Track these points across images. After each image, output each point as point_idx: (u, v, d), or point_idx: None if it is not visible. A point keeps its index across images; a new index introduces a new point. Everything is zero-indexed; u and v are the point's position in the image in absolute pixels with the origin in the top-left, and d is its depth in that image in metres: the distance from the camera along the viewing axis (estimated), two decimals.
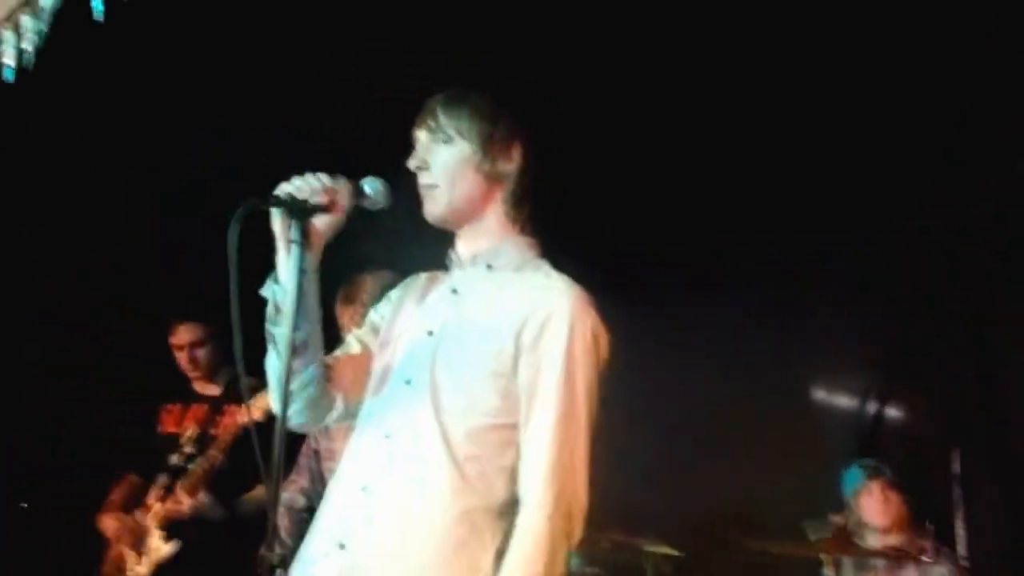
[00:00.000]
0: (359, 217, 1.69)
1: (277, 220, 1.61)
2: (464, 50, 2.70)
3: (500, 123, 1.75)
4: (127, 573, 3.11)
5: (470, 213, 1.76)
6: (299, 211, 1.59)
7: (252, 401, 2.71)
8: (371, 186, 1.66)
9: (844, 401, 3.79)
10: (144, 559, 3.09)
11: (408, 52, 2.75)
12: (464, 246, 1.79)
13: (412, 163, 1.75)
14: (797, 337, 3.72)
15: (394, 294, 1.90)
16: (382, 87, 2.87)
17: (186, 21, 2.68)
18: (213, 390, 3.34)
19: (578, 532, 1.62)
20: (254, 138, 3.18)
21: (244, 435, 2.94)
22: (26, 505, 3.59)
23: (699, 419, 3.76)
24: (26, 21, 2.47)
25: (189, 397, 3.35)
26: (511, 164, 1.76)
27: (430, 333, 1.73)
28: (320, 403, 1.75)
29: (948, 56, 2.75)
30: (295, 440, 2.76)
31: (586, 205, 3.31)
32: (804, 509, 3.40)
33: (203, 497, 2.95)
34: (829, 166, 3.27)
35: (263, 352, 1.68)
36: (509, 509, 1.62)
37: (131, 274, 3.65)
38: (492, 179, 1.75)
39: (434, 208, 1.74)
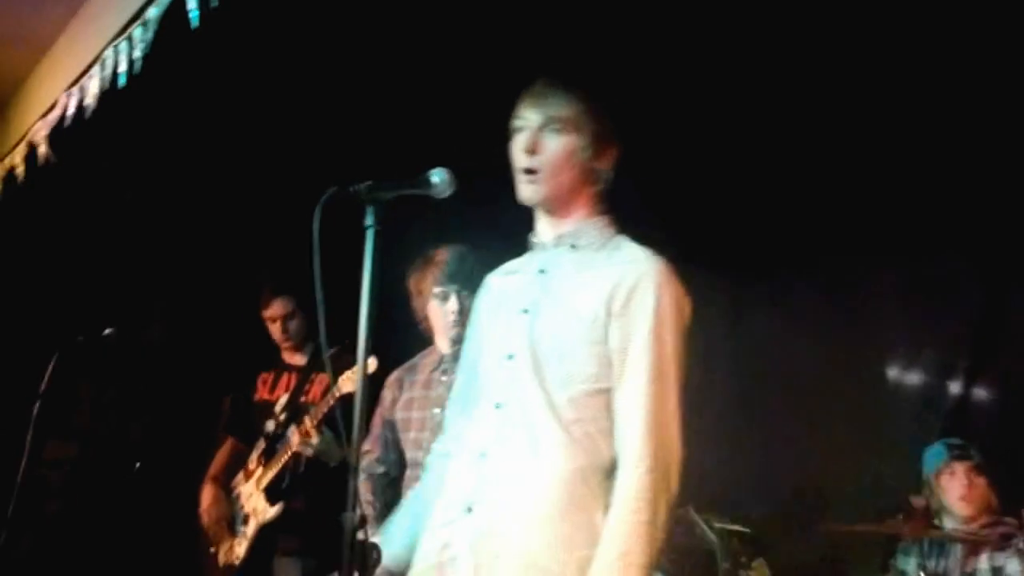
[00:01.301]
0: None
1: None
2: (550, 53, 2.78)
3: (606, 125, 1.84)
4: (219, 556, 3.31)
5: (564, 200, 1.83)
6: (370, 198, 1.70)
7: (343, 375, 2.93)
8: (437, 175, 1.76)
9: (927, 379, 3.60)
10: (236, 543, 3.28)
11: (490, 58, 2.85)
12: (547, 228, 1.87)
13: (522, 145, 1.80)
14: (877, 312, 3.58)
15: (477, 309, 2.00)
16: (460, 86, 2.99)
17: (273, 23, 2.88)
18: (300, 359, 3.48)
19: (675, 485, 1.69)
20: (348, 125, 3.37)
21: (341, 403, 3.04)
22: (139, 465, 3.89)
23: (774, 397, 3.66)
24: (137, 33, 2.74)
25: (281, 366, 3.51)
26: (607, 163, 1.85)
27: (524, 311, 1.82)
28: None
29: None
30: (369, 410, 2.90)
31: (670, 186, 3.29)
32: (881, 489, 3.31)
33: (328, 433, 3.03)
34: (908, 143, 3.17)
35: (346, 325, 1.83)
36: (615, 468, 1.70)
37: (230, 255, 3.91)
38: (588, 174, 1.83)
39: (532, 192, 1.81)
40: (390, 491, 2.81)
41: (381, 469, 2.86)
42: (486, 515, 1.71)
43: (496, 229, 2.03)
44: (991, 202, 3.21)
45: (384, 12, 2.78)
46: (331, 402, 3.01)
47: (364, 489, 2.81)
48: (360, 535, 1.66)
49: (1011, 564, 2.87)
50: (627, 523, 1.62)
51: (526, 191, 1.82)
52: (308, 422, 3.07)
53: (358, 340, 1.77)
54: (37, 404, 3.16)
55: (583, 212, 1.85)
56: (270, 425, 3.32)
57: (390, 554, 1.84)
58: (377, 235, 1.72)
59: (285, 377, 3.47)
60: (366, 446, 2.82)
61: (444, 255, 2.68)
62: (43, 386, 3.18)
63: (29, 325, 3.89)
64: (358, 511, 1.68)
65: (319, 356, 3.39)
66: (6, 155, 3.91)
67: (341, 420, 1.74)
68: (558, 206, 1.84)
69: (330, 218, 1.67)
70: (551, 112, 1.79)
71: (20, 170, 3.67)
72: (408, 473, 2.74)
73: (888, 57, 2.81)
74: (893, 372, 3.63)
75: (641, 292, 1.73)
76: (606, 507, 1.67)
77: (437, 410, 2.68)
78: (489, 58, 2.87)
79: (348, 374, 2.91)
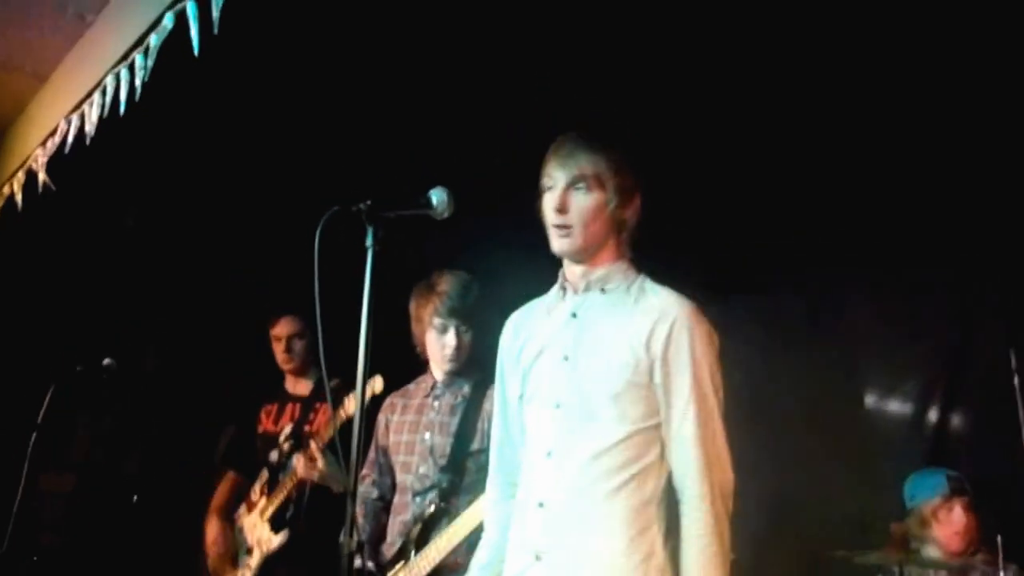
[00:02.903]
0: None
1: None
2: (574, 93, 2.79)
3: (629, 176, 1.95)
4: None
5: (594, 251, 1.95)
6: (374, 217, 1.76)
7: (344, 402, 2.92)
8: (437, 195, 1.83)
9: (906, 408, 3.60)
10: (240, 572, 3.27)
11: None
12: (575, 273, 1.97)
13: (553, 204, 1.91)
14: (857, 343, 3.62)
15: (504, 341, 2.10)
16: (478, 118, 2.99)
17: (275, 50, 2.88)
18: (303, 388, 3.49)
19: (731, 507, 1.88)
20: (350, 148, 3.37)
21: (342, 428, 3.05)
22: (136, 497, 3.85)
23: (754, 425, 3.66)
24: (139, 60, 2.72)
25: (284, 398, 3.51)
26: (633, 212, 1.96)
27: (565, 358, 1.92)
28: None
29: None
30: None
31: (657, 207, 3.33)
32: (861, 516, 3.26)
33: (332, 460, 3.02)
34: (883, 171, 3.19)
35: (348, 351, 1.84)
36: (663, 496, 1.86)
37: (229, 284, 3.89)
38: (615, 224, 1.95)
39: (569, 246, 1.92)
40: (384, 515, 2.81)
41: (375, 493, 2.86)
42: (554, 561, 1.84)
43: (507, 249, 2.03)
44: (967, 242, 3.25)
45: (385, 38, 2.78)
46: (337, 424, 2.99)
47: (357, 513, 2.79)
48: (357, 561, 1.72)
49: None
50: (702, 557, 1.81)
51: (559, 244, 1.94)
52: (313, 446, 3.05)
53: (359, 361, 1.78)
54: (33, 435, 3.14)
55: (610, 257, 1.97)
56: (274, 455, 3.32)
57: None
58: (378, 255, 1.75)
59: (289, 407, 3.46)
60: (363, 471, 2.83)
61: (446, 285, 2.68)
62: (40, 417, 3.16)
63: (26, 355, 3.85)
64: (355, 536, 1.69)
65: (323, 386, 3.37)
66: (4, 182, 3.89)
67: (341, 446, 1.72)
68: (588, 256, 1.95)
69: (343, 238, 1.67)
70: (577, 171, 1.91)
71: (19, 197, 3.65)
72: (397, 498, 2.73)
73: (872, 93, 2.84)
74: (872, 401, 3.67)
75: (677, 334, 1.87)
76: (662, 529, 1.84)
77: (428, 435, 2.71)
78: (490, 77, 2.86)
79: (353, 395, 2.90)
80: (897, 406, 3.60)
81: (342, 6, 2.63)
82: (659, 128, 3.00)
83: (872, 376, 3.65)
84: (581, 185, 1.90)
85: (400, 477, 2.74)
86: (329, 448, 3.05)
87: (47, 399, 3.16)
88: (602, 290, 1.94)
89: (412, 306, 2.77)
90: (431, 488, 2.62)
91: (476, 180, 1.97)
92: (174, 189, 3.66)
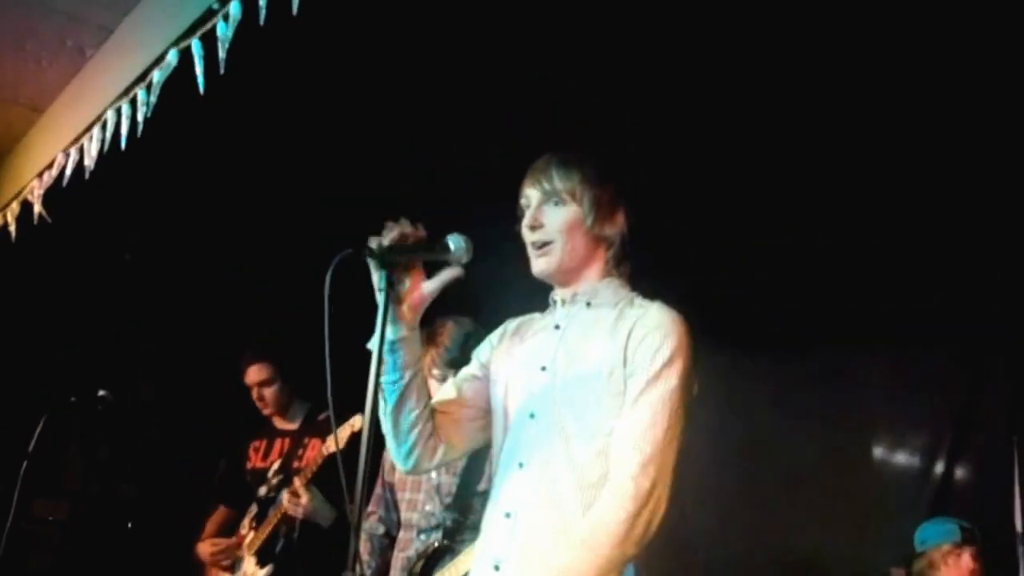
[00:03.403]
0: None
1: (372, 268, 1.73)
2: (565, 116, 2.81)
3: (608, 189, 1.90)
4: None
5: (576, 269, 1.90)
6: (385, 261, 1.71)
7: (335, 433, 2.91)
8: (455, 241, 1.79)
9: (913, 459, 3.71)
10: None
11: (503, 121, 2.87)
12: (564, 290, 1.93)
13: (526, 222, 1.87)
14: (865, 397, 3.71)
15: (493, 337, 2.04)
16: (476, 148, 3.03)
17: (280, 91, 2.92)
18: (292, 424, 3.50)
19: (656, 518, 1.70)
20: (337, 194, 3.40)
21: (326, 464, 3.07)
22: (131, 525, 3.84)
23: (765, 473, 3.76)
24: (141, 95, 2.76)
25: (273, 433, 3.53)
26: (615, 228, 1.90)
27: (543, 368, 1.86)
28: (427, 445, 1.88)
29: None
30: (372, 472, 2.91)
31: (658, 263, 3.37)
32: (868, 565, 3.38)
33: (317, 493, 3.05)
34: (895, 232, 3.23)
35: (353, 387, 1.85)
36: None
37: (225, 317, 3.91)
38: (598, 240, 1.89)
39: (546, 265, 1.87)
40: (389, 552, 2.81)
41: (381, 530, 2.87)
42: (512, 572, 1.75)
43: (513, 289, 2.05)
44: (975, 303, 3.32)
45: (389, 79, 2.82)
46: (319, 461, 3.02)
47: (363, 549, 2.81)
48: None
49: None
50: (602, 520, 1.67)
51: (537, 265, 1.89)
52: (297, 482, 3.07)
53: (366, 406, 1.80)
54: (24, 463, 3.14)
55: (597, 275, 1.91)
56: (263, 490, 3.33)
57: None
58: (387, 298, 1.74)
59: (278, 443, 3.48)
60: (369, 507, 2.84)
61: (447, 335, 2.68)
62: (31, 446, 3.16)
63: (22, 385, 3.85)
64: (357, 570, 1.69)
65: (311, 420, 3.40)
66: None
67: (341, 479, 1.72)
68: (571, 276, 1.90)
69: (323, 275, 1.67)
70: (548, 187, 1.86)
71: (12, 228, 3.66)
72: (401, 535, 2.75)
73: (887, 151, 2.88)
74: (880, 454, 3.74)
75: (651, 339, 1.78)
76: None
77: (434, 473, 2.71)
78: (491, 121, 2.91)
79: (339, 433, 2.94)
80: (904, 459, 3.67)
81: (344, 50, 2.67)
82: (672, 177, 3.04)
83: (880, 430, 3.71)
84: (553, 200, 1.86)
85: (405, 514, 2.74)
86: (314, 483, 3.08)
87: (39, 428, 3.17)
88: (588, 304, 1.89)
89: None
90: (436, 526, 2.63)
91: (484, 221, 1.96)
92: (172, 221, 3.68)
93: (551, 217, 1.86)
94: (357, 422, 2.89)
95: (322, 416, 3.39)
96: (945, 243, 3.16)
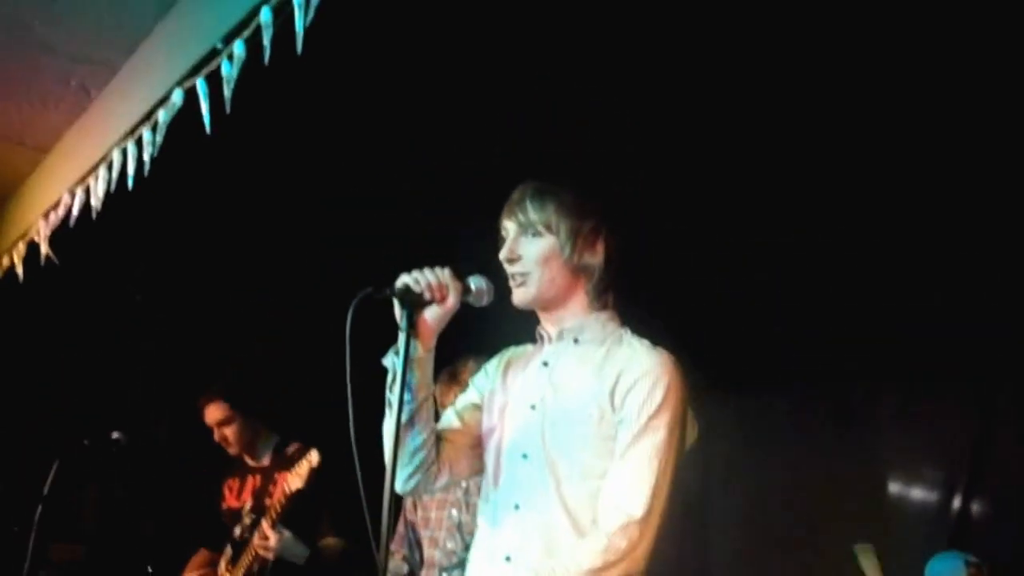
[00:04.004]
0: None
1: (396, 305, 1.78)
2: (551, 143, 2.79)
3: (586, 218, 1.87)
4: None
5: (557, 299, 1.88)
6: (410, 303, 1.75)
7: (293, 469, 2.94)
8: (476, 284, 1.81)
9: (929, 495, 3.70)
10: None
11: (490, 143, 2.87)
12: (550, 325, 1.92)
13: (502, 254, 1.88)
14: (879, 433, 3.70)
15: (490, 367, 2.03)
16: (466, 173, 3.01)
17: (285, 132, 2.91)
18: (264, 460, 3.44)
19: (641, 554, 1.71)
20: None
21: (293, 501, 3.04)
22: (151, 569, 3.81)
23: (779, 511, 3.76)
24: (146, 135, 2.75)
25: (245, 470, 3.47)
26: (596, 257, 1.88)
27: (532, 407, 1.85)
28: (430, 469, 1.88)
29: None
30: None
31: (663, 297, 3.36)
32: None
33: (286, 533, 3.03)
34: (908, 266, 3.22)
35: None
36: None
37: (236, 354, 3.89)
38: (578, 270, 1.87)
39: (523, 296, 1.87)
40: None
41: (406, 569, 2.88)
42: None
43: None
44: (990, 336, 3.30)
45: (393, 119, 2.81)
46: (281, 500, 3.00)
47: None
48: None
49: None
50: (575, 562, 1.68)
51: (515, 296, 1.88)
52: (264, 523, 3.04)
53: (387, 449, 1.77)
54: (39, 508, 3.12)
55: (581, 307, 1.89)
56: (237, 530, 3.29)
57: None
58: (409, 337, 1.73)
59: (250, 481, 3.42)
60: (392, 547, 2.81)
61: (469, 374, 2.66)
62: (45, 490, 3.15)
63: (35, 428, 3.83)
64: None
65: (280, 454, 3.35)
66: (3, 253, 3.88)
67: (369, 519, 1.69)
68: (552, 305, 1.89)
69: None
70: (523, 218, 1.86)
71: (19, 269, 3.65)
72: (423, 573, 2.73)
73: (896, 187, 2.86)
74: (895, 488, 3.72)
75: (644, 383, 1.77)
76: None
77: (454, 511, 2.72)
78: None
79: (295, 470, 2.96)
80: (921, 494, 3.65)
81: (348, 89, 2.67)
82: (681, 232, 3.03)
83: (895, 466, 3.70)
84: (530, 231, 1.85)
85: (427, 552, 2.75)
86: (285, 520, 3.05)
87: (52, 472, 3.15)
88: (575, 340, 1.89)
89: (436, 391, 2.78)
90: (457, 565, 2.63)
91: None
92: (183, 260, 3.67)
93: (527, 249, 1.86)
94: (314, 457, 2.90)
95: (291, 449, 3.34)
96: (959, 277, 3.14)
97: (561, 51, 2.35)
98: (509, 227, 1.90)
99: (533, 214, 1.85)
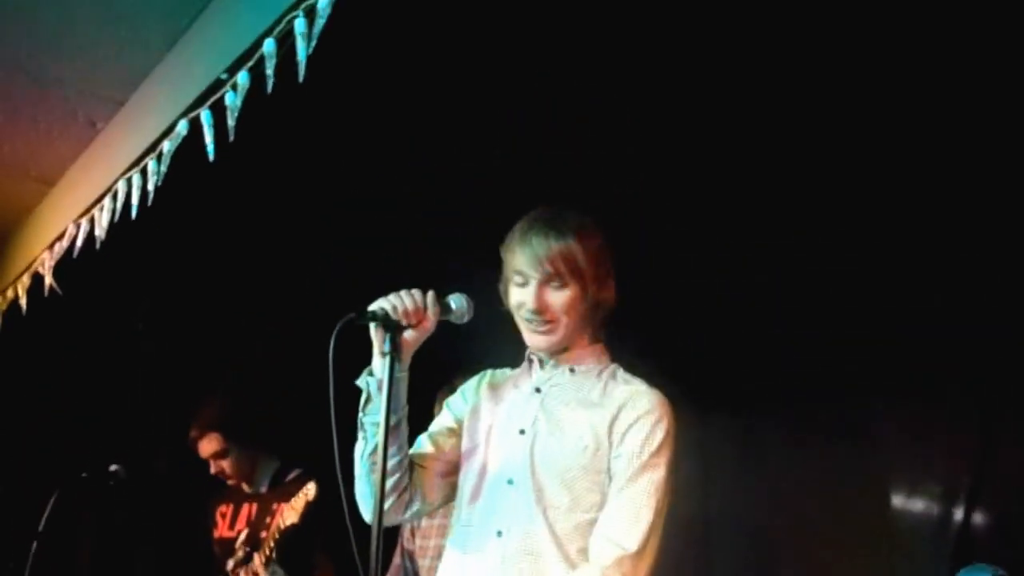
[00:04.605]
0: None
1: (373, 329, 1.78)
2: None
3: (605, 257, 1.87)
4: None
5: (571, 342, 1.89)
6: (391, 327, 1.75)
7: (290, 502, 2.89)
8: (456, 303, 1.83)
9: (929, 507, 3.60)
10: None
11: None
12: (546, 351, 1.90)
13: (528, 303, 1.83)
14: (881, 447, 3.63)
15: (468, 389, 2.00)
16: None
17: (288, 161, 2.92)
18: (259, 488, 3.33)
19: None
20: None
21: (287, 535, 2.98)
22: None
23: (782, 528, 3.71)
24: (151, 165, 2.76)
25: (239, 497, 3.36)
26: (608, 295, 1.89)
27: (522, 432, 1.83)
28: (401, 498, 1.85)
29: None
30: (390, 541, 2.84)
31: (664, 316, 3.35)
32: None
33: (280, 573, 2.97)
34: (907, 275, 3.22)
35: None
36: None
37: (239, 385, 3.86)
38: (591, 311, 1.88)
39: (549, 342, 1.86)
40: None
41: None
42: None
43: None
44: (990, 344, 3.27)
45: (397, 147, 2.82)
46: (276, 535, 2.94)
47: None
48: None
49: None
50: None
51: (539, 340, 1.86)
52: (257, 560, 2.99)
53: (377, 470, 1.74)
54: (34, 544, 3.07)
55: (584, 342, 1.91)
56: (230, 564, 3.17)
57: None
58: (392, 360, 1.73)
59: (245, 508, 3.31)
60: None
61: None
62: (41, 524, 3.10)
63: (33, 461, 3.79)
64: None
65: (279, 482, 3.27)
66: (9, 285, 3.89)
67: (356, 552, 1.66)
68: (566, 348, 1.89)
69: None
70: (551, 269, 1.81)
71: (23, 301, 3.65)
72: None
73: (897, 202, 2.86)
74: (898, 503, 3.63)
75: (644, 422, 1.77)
76: None
77: None
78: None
79: (291, 504, 2.90)
80: (923, 508, 3.56)
81: (351, 116, 2.68)
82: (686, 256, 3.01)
83: (898, 480, 3.62)
84: (556, 282, 1.82)
85: None
86: (277, 558, 2.98)
87: (50, 506, 3.11)
88: (571, 369, 1.89)
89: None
90: None
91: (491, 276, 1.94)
92: (185, 292, 3.67)
93: (554, 299, 1.83)
94: (311, 490, 2.85)
95: (290, 476, 3.26)
96: (959, 288, 3.12)
97: (561, 51, 2.34)
98: (529, 275, 1.84)
99: (562, 265, 1.81)
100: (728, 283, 3.26)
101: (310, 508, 2.84)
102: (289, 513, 2.88)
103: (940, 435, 3.51)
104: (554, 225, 1.84)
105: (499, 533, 1.76)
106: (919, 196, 2.78)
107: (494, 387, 1.97)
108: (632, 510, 1.72)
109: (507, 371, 2.01)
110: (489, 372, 2.03)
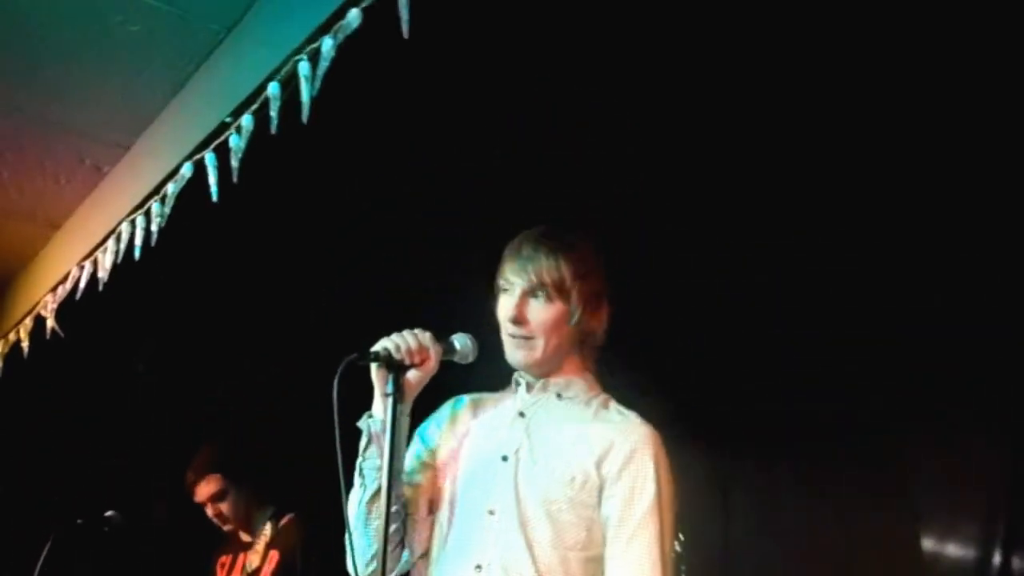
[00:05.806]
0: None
1: (374, 369, 1.74)
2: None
3: (597, 281, 1.81)
4: None
5: (554, 364, 1.82)
6: (394, 367, 1.71)
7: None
8: (460, 343, 1.79)
9: (963, 551, 3.57)
10: None
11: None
12: (533, 376, 1.84)
13: (507, 313, 1.78)
14: (909, 487, 3.59)
15: (441, 417, 1.92)
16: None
17: (292, 203, 2.93)
18: (257, 537, 3.25)
19: None
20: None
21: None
22: None
23: (807, 567, 3.63)
24: (155, 207, 2.77)
25: (238, 546, 3.30)
26: (600, 322, 1.83)
27: (504, 458, 1.75)
28: (397, 548, 1.78)
29: None
30: None
31: (671, 350, 3.32)
32: None
33: None
34: (931, 308, 3.19)
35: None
36: None
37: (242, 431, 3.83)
38: (579, 336, 1.81)
39: (526, 359, 1.79)
40: None
41: None
42: None
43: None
44: (1015, 368, 3.22)
45: (403, 190, 2.83)
46: None
47: None
48: None
49: None
50: None
51: (516, 356, 1.79)
52: None
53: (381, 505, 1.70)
54: None
55: (572, 370, 1.83)
56: None
57: None
58: (395, 401, 1.70)
59: (242, 558, 3.24)
60: None
61: None
62: (36, 572, 3.06)
63: (30, 506, 3.75)
64: None
65: (274, 529, 3.21)
66: (11, 328, 3.88)
67: None
68: (548, 369, 1.82)
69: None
70: (535, 278, 1.75)
71: (25, 344, 3.64)
72: None
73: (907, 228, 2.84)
74: (931, 545, 3.55)
75: (638, 460, 1.70)
76: None
77: None
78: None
79: (255, 547, 2.93)
80: (956, 550, 3.46)
81: (355, 159, 2.70)
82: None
83: (929, 520, 3.49)
84: (540, 294, 1.74)
85: None
86: None
87: (44, 553, 3.06)
88: (559, 395, 1.81)
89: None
90: None
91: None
92: (185, 335, 3.66)
93: (536, 314, 1.76)
94: (268, 531, 2.87)
95: (284, 521, 3.20)
96: (991, 321, 3.06)
97: (561, 52, 2.34)
98: (515, 282, 1.78)
99: (547, 276, 1.74)
100: (729, 286, 3.22)
101: (298, 550, 2.77)
102: (253, 557, 2.84)
103: (973, 472, 3.43)
104: (549, 239, 1.79)
105: (478, 567, 1.67)
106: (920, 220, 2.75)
107: (470, 412, 1.90)
108: (641, 564, 1.66)
109: (483, 395, 1.93)
110: (464, 397, 1.95)
